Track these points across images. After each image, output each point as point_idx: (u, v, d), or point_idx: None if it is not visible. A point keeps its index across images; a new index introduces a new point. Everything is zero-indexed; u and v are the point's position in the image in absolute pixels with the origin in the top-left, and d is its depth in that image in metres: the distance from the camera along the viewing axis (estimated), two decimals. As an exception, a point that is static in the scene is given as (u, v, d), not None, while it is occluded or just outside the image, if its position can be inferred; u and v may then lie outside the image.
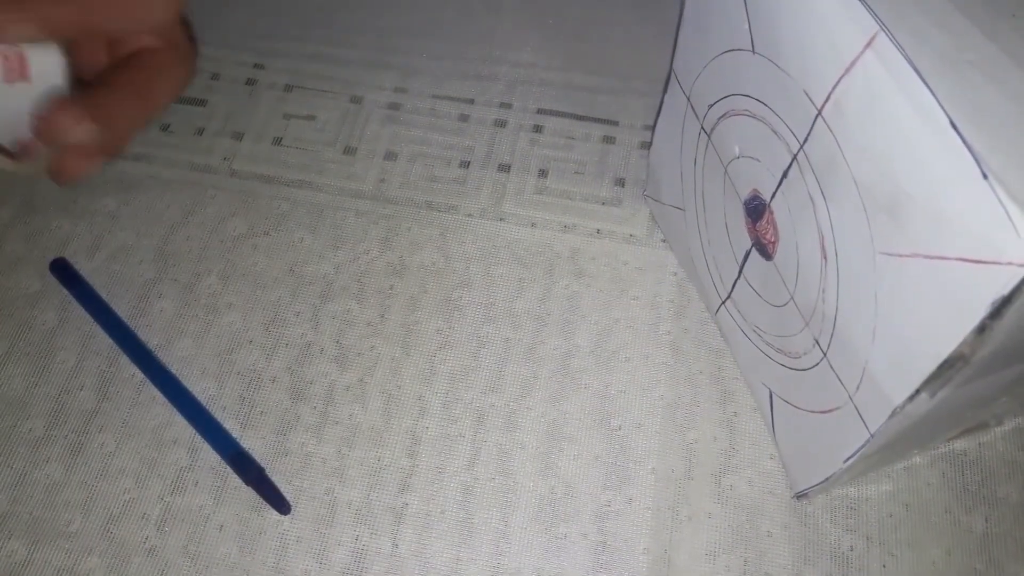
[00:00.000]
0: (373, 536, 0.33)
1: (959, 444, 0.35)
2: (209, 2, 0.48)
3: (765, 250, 0.31)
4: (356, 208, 0.42)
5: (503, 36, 0.48)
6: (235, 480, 0.34)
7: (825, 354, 0.28)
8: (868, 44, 0.22)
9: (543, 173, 0.43)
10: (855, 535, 0.33)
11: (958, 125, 0.20)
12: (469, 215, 0.41)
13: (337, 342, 0.38)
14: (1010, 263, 0.19)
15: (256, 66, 0.47)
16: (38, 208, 0.41)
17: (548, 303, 0.39)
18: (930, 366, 0.23)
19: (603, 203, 0.42)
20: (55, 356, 0.37)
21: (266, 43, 0.47)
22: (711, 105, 0.31)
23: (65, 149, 0.28)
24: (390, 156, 0.43)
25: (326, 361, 0.37)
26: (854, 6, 0.22)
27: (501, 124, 0.44)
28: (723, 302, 0.36)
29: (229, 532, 0.33)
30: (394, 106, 0.45)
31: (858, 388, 0.27)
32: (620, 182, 0.42)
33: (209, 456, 0.35)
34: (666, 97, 0.36)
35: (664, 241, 0.40)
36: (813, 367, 0.29)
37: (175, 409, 0.36)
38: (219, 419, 0.36)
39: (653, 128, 0.38)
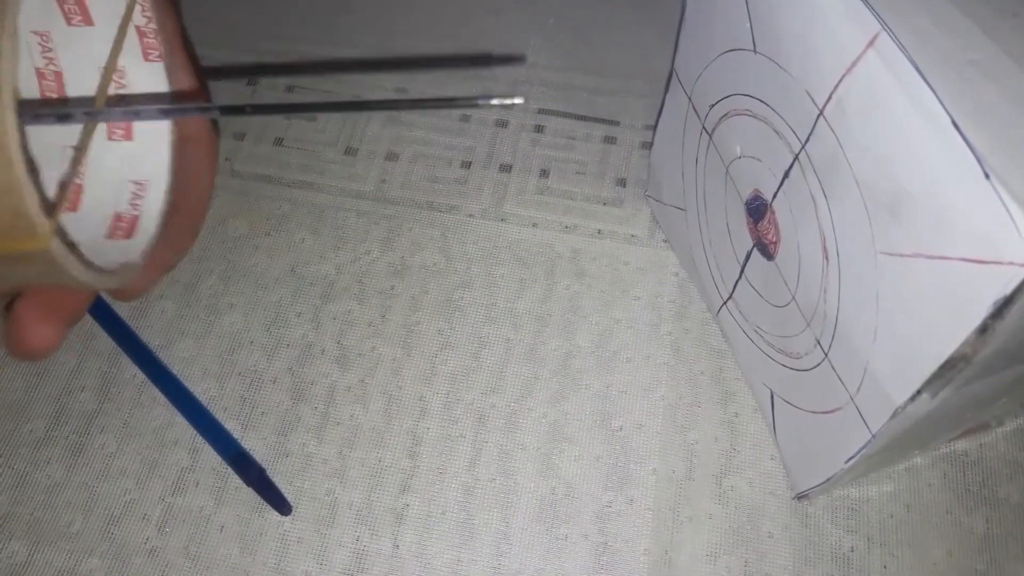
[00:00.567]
0: (374, 537, 0.33)
1: (960, 445, 0.35)
2: (209, 2, 0.48)
3: (766, 250, 0.31)
4: (357, 208, 0.42)
5: (504, 37, 0.48)
6: (236, 481, 0.34)
7: (826, 354, 0.28)
8: (870, 44, 0.22)
9: (544, 173, 0.43)
10: (856, 536, 0.33)
11: (960, 125, 0.20)
12: (470, 215, 0.41)
13: (338, 343, 0.38)
14: (1012, 263, 0.19)
15: (257, 66, 0.47)
16: (39, 209, 0.41)
17: (549, 303, 0.39)
18: (932, 366, 0.23)
19: (604, 203, 0.42)
20: (56, 357, 0.37)
21: (267, 43, 0.47)
22: (712, 105, 0.31)
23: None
24: (391, 156, 0.43)
25: (327, 362, 0.37)
26: (856, 6, 0.22)
27: (502, 124, 0.44)
28: (724, 302, 0.36)
29: (230, 533, 0.33)
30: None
31: (859, 388, 0.27)
32: (621, 182, 0.42)
33: (210, 457, 0.35)
34: (667, 97, 0.36)
35: (665, 241, 0.40)
36: (814, 367, 0.29)
37: (176, 410, 0.36)
38: (220, 420, 0.36)
39: (654, 128, 0.38)
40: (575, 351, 0.37)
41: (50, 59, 0.26)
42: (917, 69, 0.21)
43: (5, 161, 0.18)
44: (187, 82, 0.28)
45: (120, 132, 0.27)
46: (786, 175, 0.27)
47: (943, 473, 0.34)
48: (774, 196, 0.29)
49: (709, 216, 0.35)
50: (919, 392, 0.24)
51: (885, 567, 0.33)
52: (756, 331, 0.34)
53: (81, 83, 0.26)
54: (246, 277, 0.40)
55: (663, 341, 0.38)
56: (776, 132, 0.27)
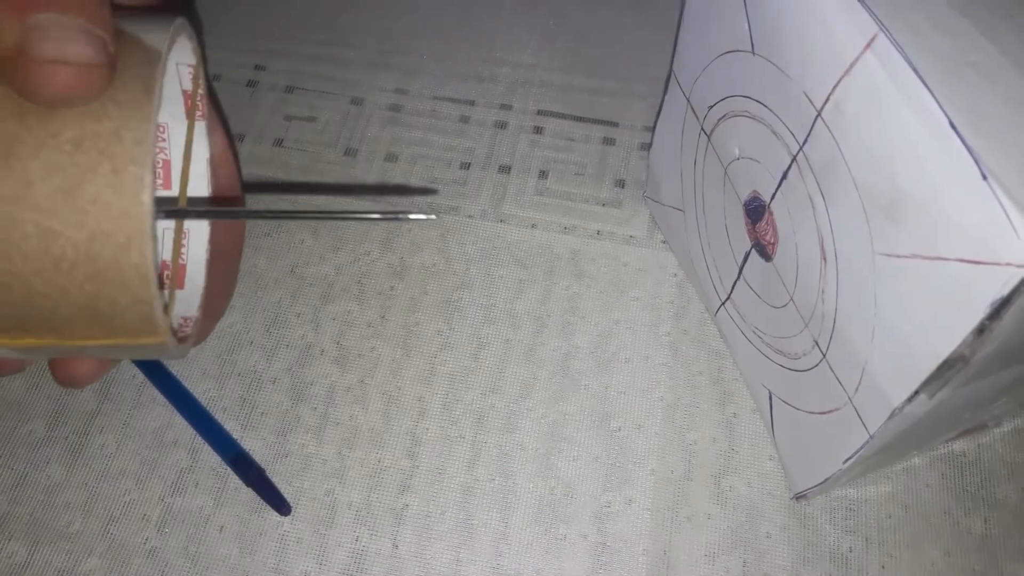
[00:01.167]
0: (373, 537, 0.34)
1: (958, 445, 0.35)
2: (209, 2, 0.48)
3: (765, 251, 0.31)
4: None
5: (504, 38, 0.48)
6: (235, 481, 0.34)
7: (824, 355, 0.28)
8: (868, 45, 0.22)
9: (543, 174, 0.43)
10: (854, 536, 0.33)
11: (958, 126, 0.20)
12: (470, 216, 0.41)
13: (337, 343, 0.38)
14: (1009, 264, 0.19)
15: (257, 67, 0.47)
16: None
17: (548, 304, 0.39)
18: (929, 367, 0.23)
19: (603, 204, 0.42)
20: (55, 357, 0.37)
21: (267, 44, 0.47)
22: (711, 106, 0.31)
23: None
24: (391, 157, 0.43)
25: (326, 362, 0.37)
26: (854, 7, 0.22)
27: (502, 126, 0.45)
28: (723, 303, 0.36)
29: (229, 533, 0.34)
30: (395, 107, 0.45)
31: (857, 389, 0.27)
32: (620, 183, 0.42)
33: (209, 457, 0.35)
34: (666, 98, 0.36)
35: (664, 242, 0.40)
36: (812, 368, 0.30)
37: (175, 410, 0.36)
38: (219, 420, 0.36)
39: (653, 129, 0.38)
40: (574, 352, 0.38)
41: (161, 148, 0.28)
42: (915, 71, 0.21)
43: (143, 280, 0.21)
44: (219, 140, 0.30)
45: (160, 182, 0.28)
46: (784, 176, 0.27)
47: (941, 474, 0.34)
48: (772, 197, 0.29)
49: (707, 217, 0.35)
50: (917, 393, 0.24)
51: (883, 567, 0.33)
52: (754, 332, 0.34)
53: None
54: (245, 278, 0.40)
55: (662, 342, 0.38)
56: (774, 133, 0.27)
